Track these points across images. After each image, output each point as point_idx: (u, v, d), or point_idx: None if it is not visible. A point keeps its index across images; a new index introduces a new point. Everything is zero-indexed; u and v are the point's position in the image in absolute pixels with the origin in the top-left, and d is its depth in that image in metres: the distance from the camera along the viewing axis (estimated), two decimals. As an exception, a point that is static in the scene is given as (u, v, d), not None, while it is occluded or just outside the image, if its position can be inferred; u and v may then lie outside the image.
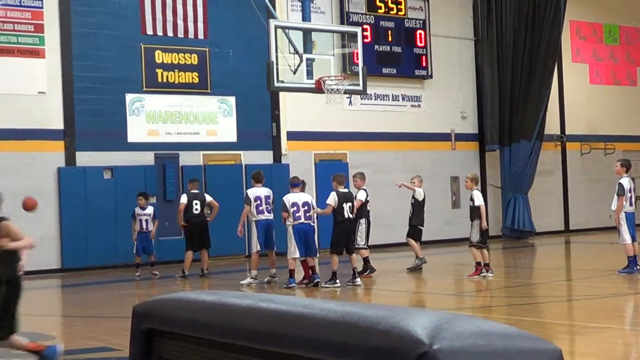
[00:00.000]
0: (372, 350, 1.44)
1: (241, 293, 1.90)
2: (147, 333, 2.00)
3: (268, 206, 18.66)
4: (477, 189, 18.63)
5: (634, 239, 17.50)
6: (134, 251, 21.06)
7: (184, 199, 20.78)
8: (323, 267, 19.31)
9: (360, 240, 19.14)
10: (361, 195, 19.18)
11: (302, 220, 17.46)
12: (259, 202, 18.54)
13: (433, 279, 19.22)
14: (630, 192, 17.78)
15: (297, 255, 17.49)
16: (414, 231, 20.22)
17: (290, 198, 17.65)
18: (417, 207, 20.29)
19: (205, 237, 20.84)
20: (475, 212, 18.34)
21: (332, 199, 17.87)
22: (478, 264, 18.16)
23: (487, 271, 18.08)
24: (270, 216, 18.69)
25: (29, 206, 17.87)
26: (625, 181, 17.80)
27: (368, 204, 19.37)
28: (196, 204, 20.66)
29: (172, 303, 1.96)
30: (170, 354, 1.97)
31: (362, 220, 19.21)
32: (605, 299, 14.63)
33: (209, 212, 21.32)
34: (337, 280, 17.58)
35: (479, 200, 18.42)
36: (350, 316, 1.54)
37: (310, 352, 1.55)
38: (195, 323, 1.86)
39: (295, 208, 17.45)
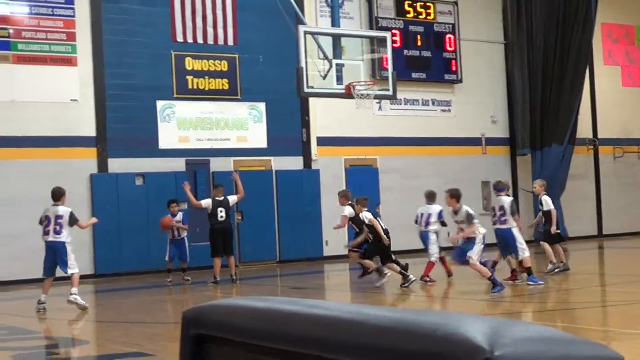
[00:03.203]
0: (431, 357, 1.43)
1: (291, 299, 1.89)
2: (197, 338, 2.00)
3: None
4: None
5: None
6: (167, 257, 21.11)
7: (206, 203, 20.74)
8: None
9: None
10: (346, 211, 19.12)
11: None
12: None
13: (463, 284, 19.12)
14: None
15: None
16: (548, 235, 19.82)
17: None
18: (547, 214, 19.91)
19: (228, 243, 20.84)
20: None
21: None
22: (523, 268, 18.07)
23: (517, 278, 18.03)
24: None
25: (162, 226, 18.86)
26: None
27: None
28: (221, 211, 20.62)
29: (222, 309, 1.96)
30: (220, 359, 1.97)
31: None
32: (640, 304, 14.50)
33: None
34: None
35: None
36: (406, 322, 1.53)
37: (365, 359, 1.54)
38: (245, 329, 1.85)
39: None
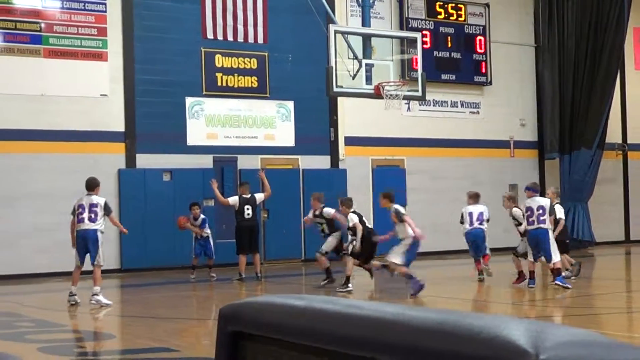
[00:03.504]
0: None
1: (329, 298, 1.89)
2: (234, 335, 2.00)
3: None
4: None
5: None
6: (192, 254, 21.17)
7: (233, 200, 20.76)
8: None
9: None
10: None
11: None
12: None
13: (492, 287, 19.07)
14: None
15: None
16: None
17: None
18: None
19: (254, 240, 20.89)
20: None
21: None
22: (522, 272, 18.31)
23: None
24: None
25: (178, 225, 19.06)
26: None
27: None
28: (247, 209, 20.66)
29: (260, 306, 1.96)
30: (257, 357, 1.97)
31: (336, 234, 19.16)
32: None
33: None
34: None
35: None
36: (449, 324, 1.52)
37: None
38: (283, 327, 1.85)
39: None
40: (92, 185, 16.72)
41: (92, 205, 16.31)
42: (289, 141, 25.97)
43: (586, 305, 16.12)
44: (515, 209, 18.90)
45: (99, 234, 16.30)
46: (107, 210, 16.44)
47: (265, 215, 24.88)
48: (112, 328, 14.58)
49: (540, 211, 17.42)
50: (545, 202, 17.79)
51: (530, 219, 17.54)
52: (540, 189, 19.22)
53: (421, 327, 1.51)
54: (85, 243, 16.29)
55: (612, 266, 26.07)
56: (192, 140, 24.46)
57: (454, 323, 1.46)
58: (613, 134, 31.95)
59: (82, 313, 15.56)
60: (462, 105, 29.34)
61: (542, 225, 17.40)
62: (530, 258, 17.63)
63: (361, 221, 18.05)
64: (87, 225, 16.25)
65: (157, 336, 12.62)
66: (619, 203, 32.94)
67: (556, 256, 17.39)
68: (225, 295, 18.45)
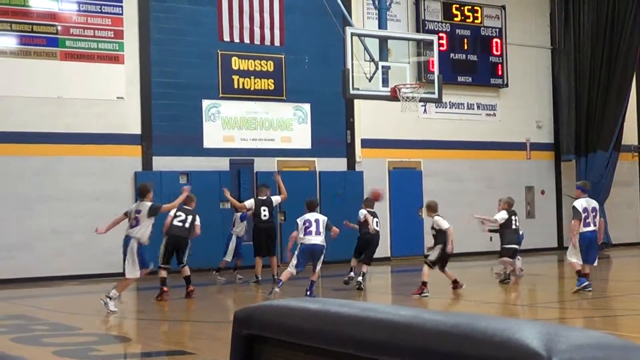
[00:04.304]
0: (488, 362, 1.43)
1: (344, 301, 1.89)
2: (248, 338, 2.01)
3: None
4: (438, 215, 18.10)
5: None
6: (231, 256, 21.12)
7: (249, 203, 20.75)
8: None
9: None
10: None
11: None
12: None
13: (507, 290, 19.04)
14: None
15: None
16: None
17: None
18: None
19: (271, 243, 20.92)
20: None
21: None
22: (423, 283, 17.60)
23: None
24: None
25: (375, 197, 19.14)
26: None
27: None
28: (264, 210, 20.69)
29: (275, 309, 1.96)
30: (271, 360, 1.97)
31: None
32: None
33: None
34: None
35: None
36: (463, 327, 1.52)
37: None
38: (299, 330, 1.86)
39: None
40: (142, 192, 16.85)
41: (137, 212, 16.40)
42: (306, 143, 25.97)
43: (603, 307, 16.06)
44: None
45: (132, 242, 16.22)
46: (152, 211, 16.39)
47: (282, 218, 24.87)
48: (128, 331, 14.61)
49: (594, 213, 17.09)
50: (596, 203, 17.50)
51: (587, 220, 16.93)
52: (591, 189, 18.82)
53: (435, 330, 1.51)
54: (124, 249, 16.35)
55: (627, 268, 25.99)
56: (208, 142, 24.48)
57: (468, 326, 1.47)
58: (629, 136, 31.85)
59: (99, 316, 15.59)
60: (478, 107, 29.29)
61: (596, 228, 17.14)
62: (580, 260, 17.06)
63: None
64: (128, 231, 16.37)
65: (173, 339, 12.66)
66: (634, 205, 32.82)
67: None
68: (241, 298, 18.48)
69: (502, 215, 19.63)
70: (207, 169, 24.15)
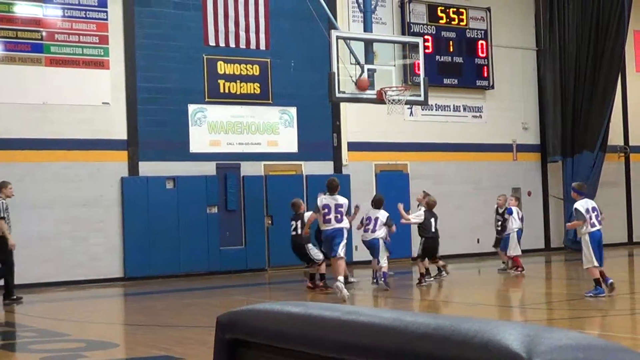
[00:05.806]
0: (469, 364, 1.42)
1: (328, 305, 1.89)
2: (231, 343, 2.00)
3: None
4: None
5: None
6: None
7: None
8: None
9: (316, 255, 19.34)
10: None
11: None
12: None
13: (489, 291, 19.07)
14: None
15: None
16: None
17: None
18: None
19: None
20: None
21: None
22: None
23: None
24: None
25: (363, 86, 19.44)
26: None
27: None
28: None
29: (257, 313, 1.95)
30: (255, 364, 1.97)
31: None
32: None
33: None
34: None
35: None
36: (445, 329, 1.52)
37: (403, 365, 1.54)
38: (281, 334, 1.85)
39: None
40: (332, 189, 18.09)
41: (338, 206, 17.76)
42: (292, 147, 25.97)
43: (589, 307, 16.09)
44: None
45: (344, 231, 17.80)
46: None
47: (269, 222, 24.87)
48: (116, 337, 14.56)
49: (595, 212, 16.92)
50: (594, 203, 17.45)
51: (592, 221, 16.75)
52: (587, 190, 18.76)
53: (417, 333, 1.51)
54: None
55: (615, 268, 26.00)
56: (195, 147, 24.45)
57: (450, 328, 1.46)
58: (615, 137, 31.94)
59: (86, 322, 15.56)
60: (464, 109, 29.34)
61: (601, 227, 17.00)
62: (596, 262, 16.67)
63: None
64: (333, 225, 17.73)
65: (161, 344, 12.62)
66: (621, 205, 32.92)
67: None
68: (229, 303, 18.43)
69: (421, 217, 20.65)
70: (194, 173, 24.12)
